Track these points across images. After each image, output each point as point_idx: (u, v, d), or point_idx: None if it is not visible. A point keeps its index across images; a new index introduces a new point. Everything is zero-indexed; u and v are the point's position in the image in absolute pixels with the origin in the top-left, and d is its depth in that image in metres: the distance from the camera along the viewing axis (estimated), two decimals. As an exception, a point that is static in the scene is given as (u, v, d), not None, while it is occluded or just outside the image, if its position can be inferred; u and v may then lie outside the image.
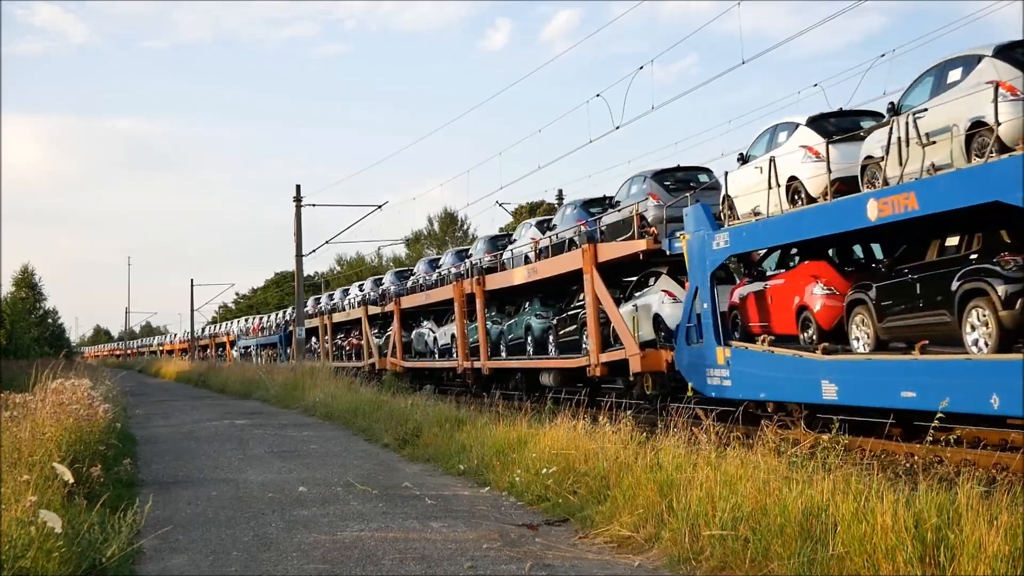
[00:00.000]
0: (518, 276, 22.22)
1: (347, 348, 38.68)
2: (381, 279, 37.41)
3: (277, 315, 54.23)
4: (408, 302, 31.11)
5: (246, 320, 64.01)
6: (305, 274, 42.02)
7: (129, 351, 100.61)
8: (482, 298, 23.95)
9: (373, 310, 34.13)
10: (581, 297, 19.10)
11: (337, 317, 39.38)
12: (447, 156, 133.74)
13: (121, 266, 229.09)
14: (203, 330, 75.75)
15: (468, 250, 28.47)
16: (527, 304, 23.10)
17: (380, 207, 37.46)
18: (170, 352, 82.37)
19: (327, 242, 55.64)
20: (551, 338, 20.88)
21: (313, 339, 44.38)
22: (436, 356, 29.06)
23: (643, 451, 8.64)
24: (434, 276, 29.98)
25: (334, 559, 7.04)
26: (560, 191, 39.73)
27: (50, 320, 62.34)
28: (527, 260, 22.51)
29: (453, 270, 27.60)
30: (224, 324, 72.55)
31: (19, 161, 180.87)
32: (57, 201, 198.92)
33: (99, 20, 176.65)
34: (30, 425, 8.96)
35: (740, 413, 11.34)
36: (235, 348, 60.85)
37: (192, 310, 69.31)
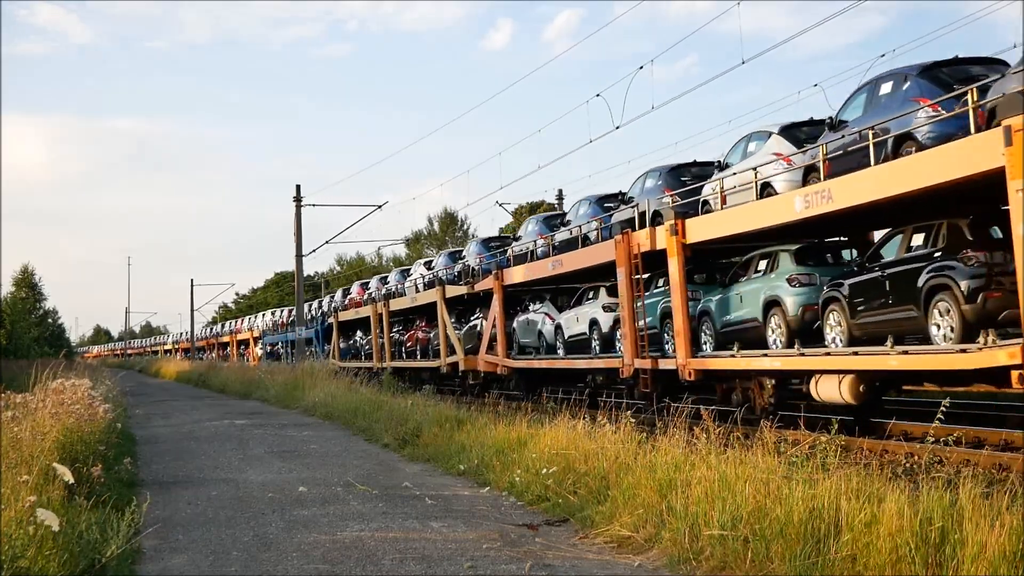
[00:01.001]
0: (770, 213, 13.50)
1: (408, 344, 31.08)
2: (460, 252, 29.54)
3: (311, 306, 48.13)
4: (519, 276, 21.78)
5: (273, 313, 56.68)
6: (305, 274, 42.01)
7: (130, 351, 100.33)
8: (681, 256, 15.14)
9: (454, 291, 25.52)
10: (915, 242, 11.60)
11: (397, 304, 31.10)
12: (447, 156, 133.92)
13: (121, 266, 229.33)
14: (222, 326, 70.42)
15: (620, 194, 19.30)
16: (762, 265, 14.70)
17: (380, 207, 37.54)
18: (186, 351, 74.86)
19: (327, 242, 55.77)
20: (834, 318, 12.70)
21: (359, 334, 37.46)
22: (560, 351, 20.44)
23: (643, 451, 8.65)
24: (559, 236, 21.09)
25: (334, 559, 7.04)
26: (560, 191, 39.84)
27: (50, 320, 62.34)
28: (766, 191, 14.13)
29: (595, 224, 19.22)
30: (247, 319, 64.48)
31: (20, 161, 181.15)
32: (57, 201, 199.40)
33: (100, 20, 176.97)
34: (30, 425, 8.96)
35: (740, 413, 11.31)
36: (260, 345, 54.58)
37: (192, 310, 69.42)
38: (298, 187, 38.21)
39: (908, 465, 8.81)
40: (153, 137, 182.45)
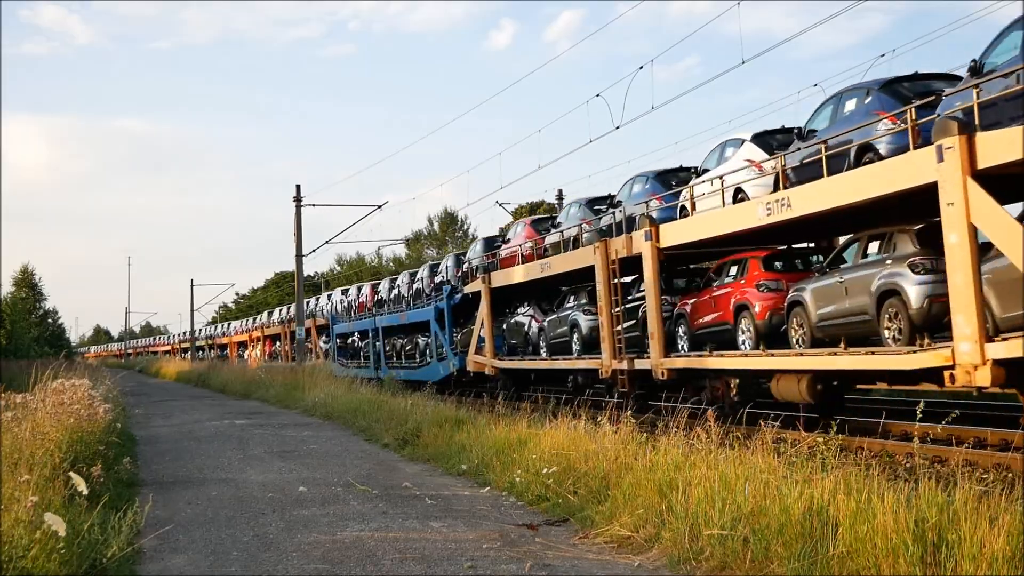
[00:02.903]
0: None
1: (705, 317, 15.22)
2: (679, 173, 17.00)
3: (416, 275, 31.51)
4: None
5: (343, 292, 41.39)
6: (305, 274, 41.94)
7: (131, 350, 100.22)
8: None
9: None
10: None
11: (689, 230, 15.11)
12: (447, 156, 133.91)
13: (121, 266, 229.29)
14: (269, 314, 59.15)
15: None
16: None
17: (380, 207, 37.40)
18: (219, 348, 67.28)
19: (327, 242, 55.57)
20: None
21: (523, 310, 22.65)
22: None
23: (643, 451, 8.65)
24: None
25: (334, 559, 7.04)
26: (560, 191, 39.70)
27: (50, 320, 62.41)
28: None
29: None
30: (312, 301, 47.57)
31: (21, 161, 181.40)
32: (58, 201, 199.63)
33: (103, 21, 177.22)
34: (31, 425, 8.97)
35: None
36: (325, 339, 41.29)
37: (192, 310, 69.30)
38: (298, 187, 38.20)
39: (908, 465, 8.82)
40: (154, 137, 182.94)
